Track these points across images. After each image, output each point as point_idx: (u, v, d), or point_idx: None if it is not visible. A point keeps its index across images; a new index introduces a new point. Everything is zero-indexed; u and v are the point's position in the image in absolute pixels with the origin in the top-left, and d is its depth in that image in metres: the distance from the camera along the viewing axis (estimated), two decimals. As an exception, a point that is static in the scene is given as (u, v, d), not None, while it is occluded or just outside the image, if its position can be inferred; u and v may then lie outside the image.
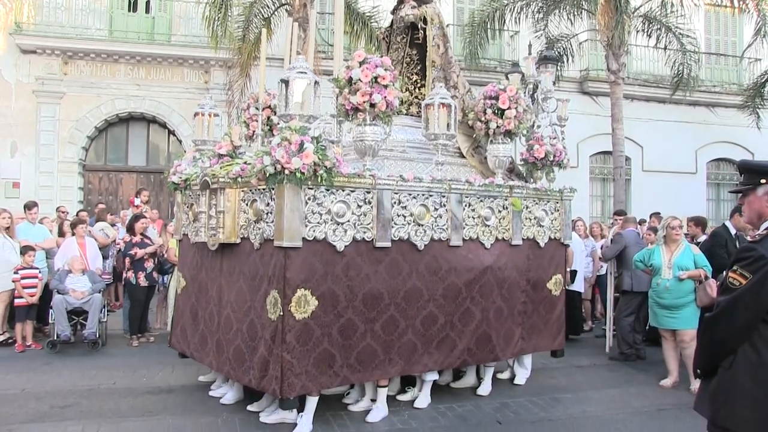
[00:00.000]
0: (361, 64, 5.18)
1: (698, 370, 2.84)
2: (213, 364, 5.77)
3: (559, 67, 14.67)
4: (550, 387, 6.69)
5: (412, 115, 6.85)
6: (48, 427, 5.11)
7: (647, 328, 8.04)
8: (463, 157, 6.77)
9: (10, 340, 8.23)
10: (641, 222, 10.19)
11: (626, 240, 8.09)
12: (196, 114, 6.65)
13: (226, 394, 5.89)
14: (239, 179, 5.28)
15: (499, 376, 6.79)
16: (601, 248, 9.44)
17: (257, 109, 6.60)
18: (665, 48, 15.33)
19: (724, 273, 2.76)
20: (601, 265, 9.96)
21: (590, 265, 10.23)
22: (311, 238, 4.88)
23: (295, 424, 5.06)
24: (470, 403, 5.95)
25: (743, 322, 2.59)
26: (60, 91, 14.56)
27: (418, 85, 7.13)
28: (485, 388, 6.34)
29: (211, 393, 6.04)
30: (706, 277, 6.24)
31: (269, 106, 6.64)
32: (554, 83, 14.58)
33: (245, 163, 5.36)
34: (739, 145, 18.04)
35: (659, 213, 10.61)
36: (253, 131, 6.70)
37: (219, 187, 5.45)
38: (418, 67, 7.18)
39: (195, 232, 6.03)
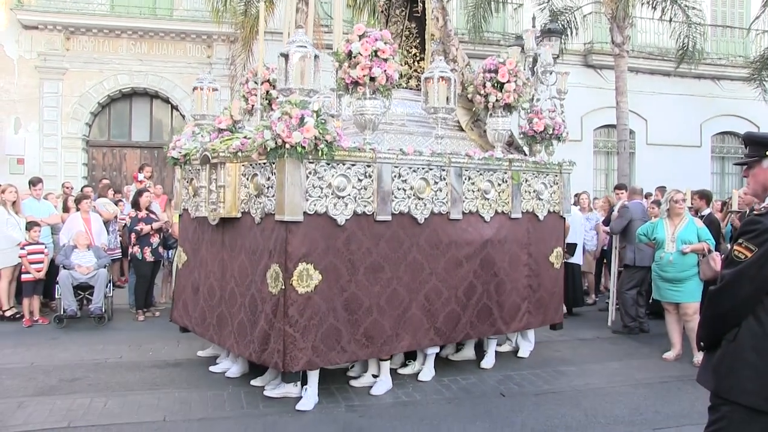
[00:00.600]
0: (360, 37, 5.13)
1: (702, 343, 2.85)
2: (214, 338, 5.80)
3: (563, 40, 14.53)
4: (554, 360, 6.74)
5: (411, 89, 6.81)
6: (57, 400, 5.18)
7: (650, 301, 8.07)
8: (463, 130, 6.76)
9: (17, 315, 8.31)
10: (647, 195, 10.17)
11: (631, 213, 8.06)
12: (195, 88, 6.61)
13: (231, 368, 5.92)
14: (239, 154, 5.28)
15: (501, 349, 6.83)
16: (604, 222, 9.43)
17: (256, 83, 6.55)
18: (670, 20, 15.12)
19: (729, 246, 2.75)
20: (606, 239, 9.95)
21: (594, 239, 10.23)
22: (312, 212, 4.89)
23: (299, 398, 5.10)
24: (474, 376, 6.00)
25: (747, 295, 2.59)
26: (62, 67, 14.50)
27: (417, 58, 7.08)
28: (489, 361, 6.38)
29: (212, 369, 6.05)
30: (710, 251, 6.24)
31: (268, 80, 6.59)
32: (558, 56, 14.55)
33: (245, 137, 5.35)
34: (744, 118, 17.91)
35: (664, 187, 10.57)
36: (252, 105, 6.67)
37: (219, 162, 5.44)
38: (417, 41, 7.12)
39: (195, 207, 6.04)
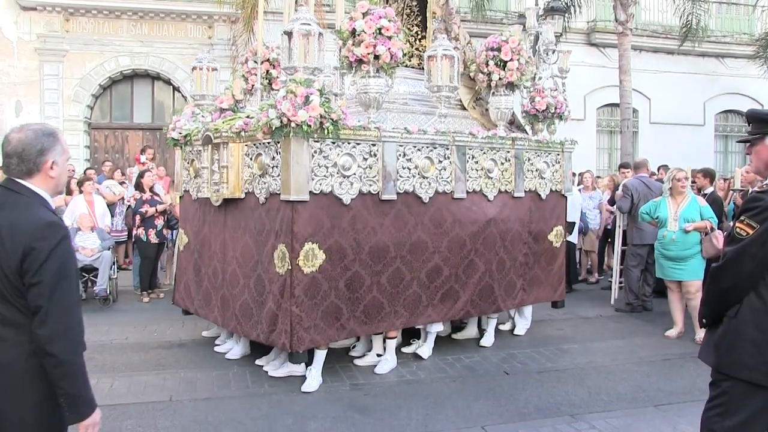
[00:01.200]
0: (364, 15, 5.09)
1: (704, 320, 2.87)
2: (218, 319, 5.82)
3: (566, 18, 14.39)
4: (557, 338, 6.79)
5: (412, 68, 6.77)
6: (64, 381, 5.23)
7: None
8: (464, 109, 6.73)
9: (23, 298, 8.34)
10: (651, 175, 10.13)
11: (632, 190, 7.99)
12: (194, 68, 6.58)
13: (232, 349, 5.94)
14: (242, 133, 5.25)
15: (501, 327, 6.87)
16: (609, 201, 9.39)
17: (256, 62, 6.48)
18: (674, -3, 14.99)
19: (731, 223, 2.76)
20: (609, 218, 9.95)
21: (597, 218, 10.24)
22: (318, 192, 4.89)
23: (304, 377, 5.14)
24: (477, 354, 6.04)
25: (749, 272, 2.60)
26: (62, 49, 14.40)
27: (419, 36, 7.03)
28: (488, 339, 6.43)
29: (216, 349, 6.10)
30: (712, 229, 6.25)
31: (268, 60, 6.53)
32: (561, 34, 14.42)
33: (248, 116, 5.31)
34: (748, 96, 17.78)
35: (666, 166, 10.54)
36: (252, 85, 6.62)
37: (222, 142, 5.41)
38: (419, 19, 7.06)
39: (197, 188, 6.03)
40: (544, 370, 5.66)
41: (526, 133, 6.83)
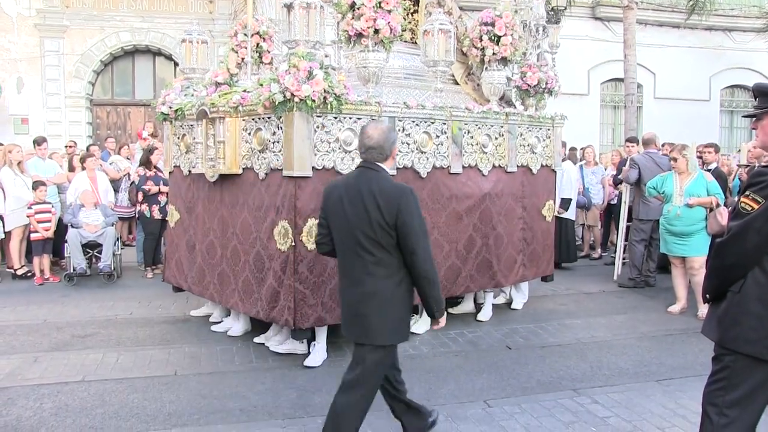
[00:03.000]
0: None
1: (707, 295, 2.86)
2: (215, 296, 5.75)
3: (571, -9, 14.23)
4: (559, 313, 6.81)
5: (405, 42, 6.70)
6: (71, 355, 5.29)
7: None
8: (457, 83, 6.67)
9: (29, 274, 8.41)
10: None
11: (639, 164, 7.90)
12: (183, 41, 6.37)
13: (232, 326, 5.89)
14: (240, 108, 5.18)
15: (495, 301, 6.89)
16: (615, 176, 9.33)
17: (246, 35, 6.26)
18: (682, -31, 14.77)
19: (736, 198, 2.74)
20: (613, 193, 9.92)
21: (600, 193, 10.22)
22: (320, 167, 4.86)
23: (306, 354, 5.14)
24: (480, 330, 6.07)
25: (754, 246, 2.59)
26: (63, 25, 14.28)
27: (411, 10, 6.93)
28: (486, 314, 6.47)
29: (213, 328, 6.03)
30: (718, 205, 6.23)
31: (258, 33, 6.34)
32: (565, 8, 14.24)
33: (245, 91, 5.23)
34: (755, 70, 17.57)
35: (672, 143, 10.47)
36: (242, 58, 6.36)
37: (218, 117, 5.29)
38: None
39: (189, 164, 5.95)
40: (547, 345, 5.69)
41: (515, 107, 6.76)
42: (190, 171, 6.03)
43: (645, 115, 17.05)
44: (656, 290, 7.88)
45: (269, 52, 6.40)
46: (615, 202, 9.82)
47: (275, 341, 5.44)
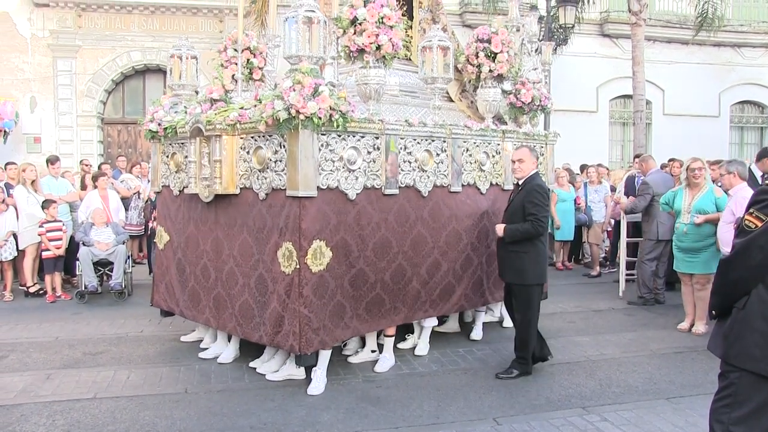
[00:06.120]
0: (365, 3, 4.93)
1: (713, 311, 2.87)
2: (210, 321, 5.56)
3: (579, 9, 14.32)
4: (568, 330, 6.80)
5: (399, 58, 6.73)
6: (82, 372, 5.33)
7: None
8: (451, 101, 6.68)
9: (41, 291, 8.48)
10: (662, 167, 10.08)
11: (653, 188, 7.79)
12: (172, 56, 6.13)
13: (222, 353, 5.66)
14: (238, 125, 5.03)
15: (485, 319, 6.85)
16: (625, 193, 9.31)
17: (236, 50, 6.04)
18: (690, -14, 14.84)
19: (741, 216, 2.76)
20: (615, 210, 9.92)
21: (603, 210, 10.26)
22: (324, 187, 4.71)
23: (303, 379, 5.03)
24: (489, 347, 6.06)
25: (758, 263, 2.61)
26: (75, 45, 14.55)
27: (406, 27, 6.98)
28: (477, 333, 6.44)
29: (201, 355, 5.77)
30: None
31: (248, 48, 6.19)
32: (573, 25, 14.34)
33: (242, 108, 5.07)
34: (765, 86, 17.61)
35: (678, 159, 10.46)
36: (232, 75, 6.16)
37: (214, 135, 5.12)
38: (405, 8, 6.97)
39: (180, 183, 5.81)
40: (555, 362, 5.67)
41: (506, 125, 6.77)
42: (180, 191, 5.87)
43: (654, 131, 17.09)
44: (666, 307, 7.84)
45: (260, 68, 6.30)
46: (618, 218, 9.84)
47: (269, 368, 5.26)
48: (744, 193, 5.91)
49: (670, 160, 8.98)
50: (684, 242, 6.61)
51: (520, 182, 5.28)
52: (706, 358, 5.66)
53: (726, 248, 5.90)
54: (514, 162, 5.31)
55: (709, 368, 5.40)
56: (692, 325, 6.72)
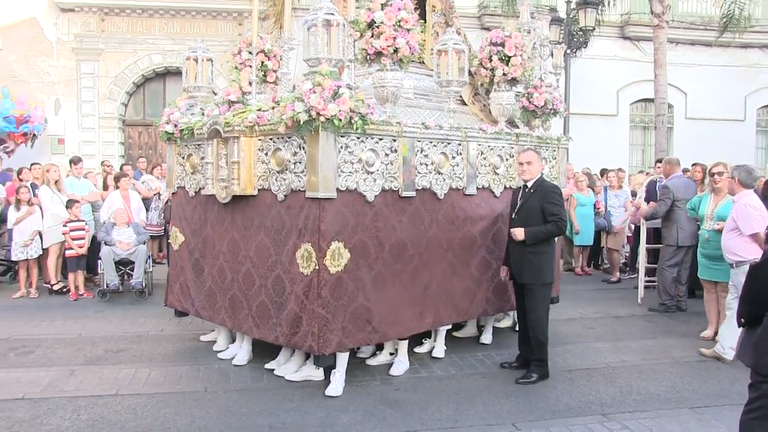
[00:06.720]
0: (382, 6, 4.94)
1: (742, 319, 2.83)
2: (226, 321, 5.59)
3: (599, 11, 14.22)
4: (588, 337, 6.73)
5: (413, 61, 6.72)
6: (105, 369, 5.40)
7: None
8: (464, 104, 6.66)
9: (64, 289, 8.61)
10: (684, 171, 9.96)
11: (673, 193, 7.72)
12: (188, 58, 6.12)
13: (237, 355, 5.69)
14: (256, 127, 5.06)
15: (498, 324, 6.85)
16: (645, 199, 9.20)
17: (250, 53, 6.02)
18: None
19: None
20: (635, 215, 9.82)
21: (623, 215, 10.17)
22: (344, 189, 4.73)
23: (321, 381, 5.05)
24: (508, 352, 6.01)
25: (788, 270, 2.57)
26: (98, 48, 14.75)
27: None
28: (487, 337, 6.43)
29: (220, 355, 5.83)
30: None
31: (263, 51, 6.20)
32: (594, 28, 14.23)
33: (259, 109, 5.09)
34: (795, 89, 17.23)
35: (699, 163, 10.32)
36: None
37: (232, 136, 5.16)
38: (418, 12, 6.98)
39: (196, 184, 5.84)
40: (575, 368, 5.62)
41: (518, 128, 6.73)
42: (196, 192, 5.90)
43: (676, 135, 16.87)
44: (688, 315, 7.73)
45: (275, 71, 6.31)
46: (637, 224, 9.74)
47: (288, 369, 5.29)
48: (746, 200, 5.72)
49: (693, 165, 8.84)
50: (707, 249, 6.50)
51: (529, 184, 5.32)
52: (731, 367, 5.58)
53: (730, 256, 5.79)
54: (521, 164, 5.36)
55: (734, 378, 5.31)
56: (716, 333, 6.61)
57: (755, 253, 5.47)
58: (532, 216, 5.23)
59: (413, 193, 5.24)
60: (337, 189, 4.71)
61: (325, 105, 4.47)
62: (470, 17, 15.33)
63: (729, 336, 5.71)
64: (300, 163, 4.81)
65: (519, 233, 5.21)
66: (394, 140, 5.09)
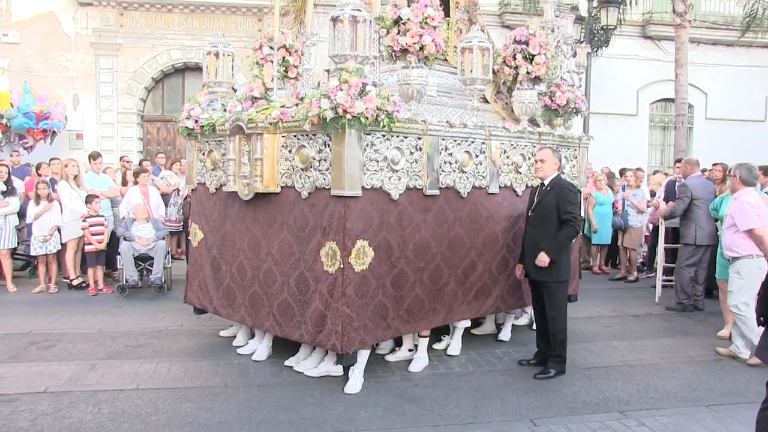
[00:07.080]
0: (409, 3, 4.93)
1: (761, 318, 2.83)
2: (246, 319, 5.59)
3: (621, 10, 14.12)
4: (605, 335, 6.73)
5: (437, 59, 6.70)
6: (125, 364, 5.47)
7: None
8: (487, 102, 6.64)
9: (84, 284, 8.70)
10: (702, 171, 9.88)
11: (691, 191, 7.70)
12: (208, 53, 6.06)
13: (256, 350, 5.71)
14: (280, 124, 5.03)
15: (516, 322, 6.86)
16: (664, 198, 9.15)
17: (271, 48, 5.94)
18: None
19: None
20: (654, 214, 9.77)
21: (640, 215, 10.13)
22: (369, 187, 4.73)
23: (340, 376, 5.08)
24: (526, 349, 6.02)
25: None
26: (117, 43, 14.85)
27: None
28: (506, 334, 6.45)
29: (239, 351, 5.85)
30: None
31: (284, 46, 6.15)
32: (616, 27, 14.12)
33: (283, 106, 5.07)
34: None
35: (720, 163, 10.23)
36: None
37: (255, 133, 5.11)
38: (442, 9, 6.97)
39: (216, 181, 5.83)
40: (593, 366, 5.63)
41: (539, 127, 6.70)
42: (217, 189, 5.89)
43: (696, 136, 16.73)
44: (705, 314, 7.71)
45: (296, 66, 6.30)
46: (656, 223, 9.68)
47: (307, 365, 5.32)
48: (746, 197, 5.75)
49: (714, 165, 8.77)
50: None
51: (545, 182, 5.37)
52: (747, 367, 5.57)
53: (727, 252, 5.94)
54: (536, 162, 5.43)
55: (751, 377, 5.31)
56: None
57: (752, 249, 5.65)
58: (548, 214, 5.25)
59: (437, 192, 5.25)
60: (362, 187, 4.70)
61: (352, 102, 4.45)
62: (491, 15, 15.26)
63: (737, 335, 5.91)
64: (325, 160, 4.79)
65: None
66: (419, 138, 5.09)
